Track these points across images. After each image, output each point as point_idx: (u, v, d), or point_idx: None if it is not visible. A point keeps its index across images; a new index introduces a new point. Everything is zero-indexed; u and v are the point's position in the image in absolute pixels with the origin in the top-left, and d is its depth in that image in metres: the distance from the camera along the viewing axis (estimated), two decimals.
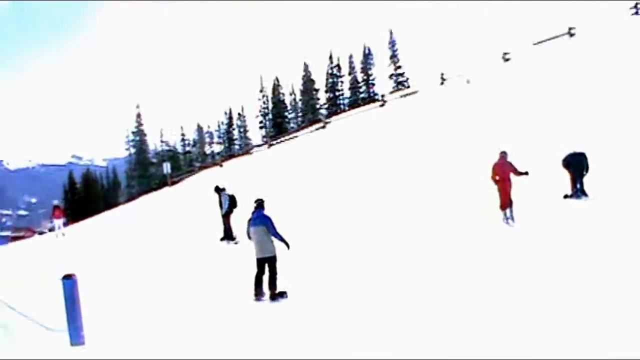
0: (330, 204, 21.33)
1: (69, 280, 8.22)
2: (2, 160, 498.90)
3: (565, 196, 15.79)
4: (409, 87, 66.55)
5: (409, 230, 15.51)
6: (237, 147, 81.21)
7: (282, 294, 11.56)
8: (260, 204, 12.28)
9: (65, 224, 40.29)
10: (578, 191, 15.81)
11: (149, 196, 47.39)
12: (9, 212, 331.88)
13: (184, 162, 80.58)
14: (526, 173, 15.20)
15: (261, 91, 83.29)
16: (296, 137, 47.34)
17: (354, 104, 74.37)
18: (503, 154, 15.41)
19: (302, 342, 8.26)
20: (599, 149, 17.32)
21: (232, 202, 20.50)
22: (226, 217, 20.50)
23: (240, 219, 19.97)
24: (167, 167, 48.41)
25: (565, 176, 16.01)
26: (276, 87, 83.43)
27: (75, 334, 8.19)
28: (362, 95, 78.83)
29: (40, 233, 47.55)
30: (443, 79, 44.41)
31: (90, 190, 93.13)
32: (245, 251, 16.18)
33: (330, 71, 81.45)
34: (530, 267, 10.15)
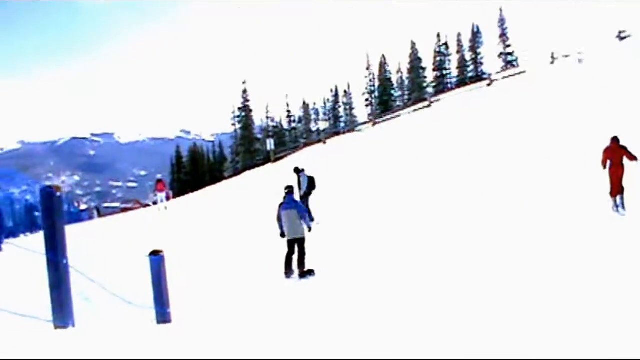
0: (423, 186, 20.81)
1: (156, 257, 8.09)
2: (113, 134, 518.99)
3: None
4: (518, 66, 64.66)
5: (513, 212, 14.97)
6: (342, 124, 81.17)
7: (311, 272, 12.42)
8: (290, 190, 13.31)
9: (168, 198, 41.33)
10: None
11: (252, 172, 47.99)
12: (120, 184, 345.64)
13: (290, 139, 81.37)
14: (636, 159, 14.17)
15: (368, 69, 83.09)
16: (400, 115, 46.92)
17: (462, 83, 72.89)
18: (615, 139, 14.48)
19: (320, 317, 8.55)
20: None
21: (311, 183, 20.51)
22: (305, 198, 20.30)
23: (320, 200, 20.98)
24: (270, 144, 49.08)
25: None
26: (383, 65, 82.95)
27: (162, 312, 7.96)
28: (469, 75, 77.14)
29: (146, 206, 49.09)
30: (553, 58, 43.06)
31: (196, 165, 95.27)
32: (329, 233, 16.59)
33: (437, 49, 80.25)
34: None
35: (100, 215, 60.34)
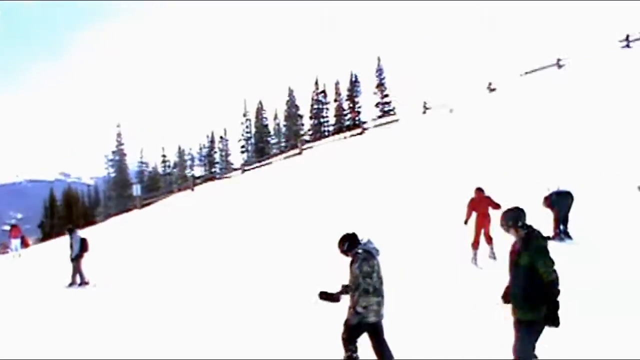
0: (287, 231, 19.81)
1: None
2: None
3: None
4: (395, 115, 65.06)
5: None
6: (217, 170, 79.28)
7: None
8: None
9: (25, 244, 38.64)
10: (561, 233, 14.26)
11: (118, 218, 45.83)
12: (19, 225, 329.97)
13: (164, 184, 78.65)
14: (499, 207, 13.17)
15: (244, 115, 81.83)
16: (270, 162, 45.61)
17: (339, 131, 72.61)
18: (480, 190, 14.00)
19: None
20: (586, 187, 15.74)
21: (83, 245, 19.29)
22: (76, 260, 19.16)
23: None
24: (137, 189, 47.21)
25: (548, 216, 14.32)
26: (260, 111, 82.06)
27: None
28: (347, 123, 76.99)
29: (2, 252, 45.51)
30: (426, 108, 42.97)
31: (70, 208, 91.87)
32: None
33: (315, 97, 79.91)
34: None
35: None
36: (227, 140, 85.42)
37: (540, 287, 6.40)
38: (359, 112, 78.36)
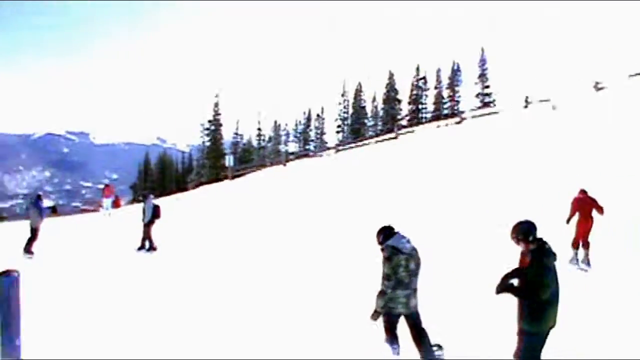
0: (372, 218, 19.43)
1: (7, 277, 6.34)
2: (88, 134, 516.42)
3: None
4: (494, 107, 63.64)
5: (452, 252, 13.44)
6: (311, 148, 79.65)
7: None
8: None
9: (116, 204, 39.97)
10: None
11: (208, 187, 46.68)
12: (90, 185, 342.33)
13: (257, 157, 79.51)
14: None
15: (343, 95, 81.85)
16: (365, 144, 45.37)
17: (436, 118, 71.65)
18: (583, 191, 13.46)
19: None
20: None
21: (155, 211, 19.91)
22: (147, 225, 19.81)
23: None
24: (229, 160, 47.68)
25: None
26: (358, 93, 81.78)
27: (9, 346, 6.31)
28: (445, 112, 75.96)
29: (89, 210, 47.07)
30: (527, 102, 41.78)
31: (164, 173, 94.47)
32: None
33: (415, 83, 79.08)
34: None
35: (55, 214, 58.05)
36: (323, 118, 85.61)
37: (544, 302, 6.51)
38: (458, 102, 77.25)
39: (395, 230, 8.31)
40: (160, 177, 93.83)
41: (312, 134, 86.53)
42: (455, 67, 77.85)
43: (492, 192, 20.22)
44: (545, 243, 6.66)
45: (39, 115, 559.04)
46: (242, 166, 56.84)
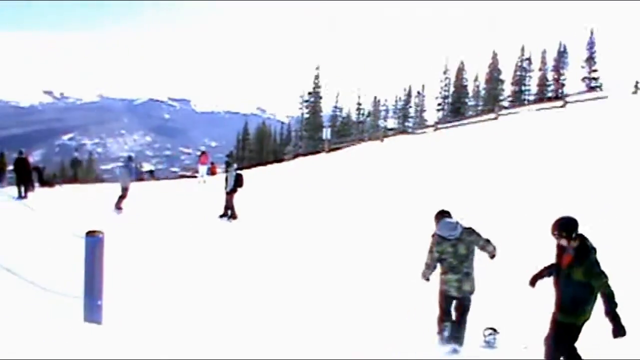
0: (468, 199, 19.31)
1: (92, 238, 6.45)
2: (190, 101, 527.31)
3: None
4: (601, 91, 61.50)
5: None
6: (410, 124, 79.30)
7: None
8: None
9: (212, 171, 41.15)
10: None
11: (305, 159, 47.25)
12: (189, 151, 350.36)
13: (356, 131, 79.76)
14: None
15: (445, 73, 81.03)
16: (464, 124, 44.94)
17: (540, 101, 69.84)
18: None
19: None
20: None
21: (238, 180, 20.58)
22: (229, 194, 20.58)
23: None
24: (326, 133, 48.06)
25: None
26: (460, 71, 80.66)
27: (91, 308, 6.47)
28: (549, 95, 73.91)
29: (187, 176, 48.64)
30: (637, 87, 40.44)
31: (262, 143, 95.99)
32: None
33: (519, 63, 77.32)
34: None
35: (153, 178, 60.50)
36: (423, 96, 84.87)
37: (587, 298, 6.76)
38: (563, 85, 74.93)
39: (446, 214, 8.76)
40: (258, 147, 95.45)
41: (412, 111, 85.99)
42: (562, 49, 75.55)
43: (592, 182, 19.55)
44: (586, 239, 6.87)
45: (142, 81, 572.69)
46: (339, 140, 57.25)
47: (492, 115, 42.68)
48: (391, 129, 72.68)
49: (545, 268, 7.37)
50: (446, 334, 8.68)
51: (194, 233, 17.46)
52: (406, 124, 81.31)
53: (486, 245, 8.58)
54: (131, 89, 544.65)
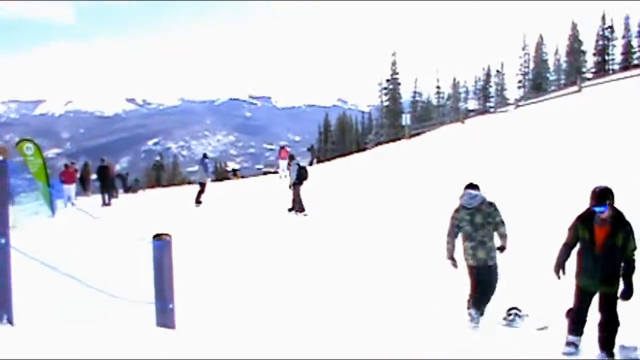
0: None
1: (159, 242, 6.41)
2: (270, 97, 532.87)
3: None
4: None
5: None
6: (492, 104, 78.03)
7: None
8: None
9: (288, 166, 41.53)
10: None
11: (385, 146, 47.18)
12: (273, 147, 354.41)
13: (437, 115, 79.11)
14: None
15: (523, 49, 79.46)
16: (546, 99, 43.80)
17: (625, 69, 67.34)
18: None
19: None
20: None
21: (300, 174, 20.89)
22: (293, 187, 20.91)
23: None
24: (406, 119, 48.16)
25: None
26: (539, 46, 79.01)
27: (163, 313, 6.45)
28: (635, 63, 71.26)
29: (270, 172, 49.16)
30: None
31: (344, 134, 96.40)
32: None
33: (601, 32, 74.94)
34: None
35: (236, 176, 61.68)
36: (503, 74, 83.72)
37: (622, 264, 7.04)
38: None
39: (473, 187, 9.38)
40: (340, 139, 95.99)
41: (492, 91, 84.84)
42: None
43: None
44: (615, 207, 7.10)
45: (222, 81, 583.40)
46: (420, 125, 56.97)
47: (575, 88, 41.40)
48: (472, 111, 71.67)
49: (563, 253, 7.58)
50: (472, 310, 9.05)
51: (261, 229, 18.04)
52: (487, 104, 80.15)
53: (500, 226, 9.13)
54: (211, 90, 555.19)
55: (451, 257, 9.30)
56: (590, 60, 75.68)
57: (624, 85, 35.93)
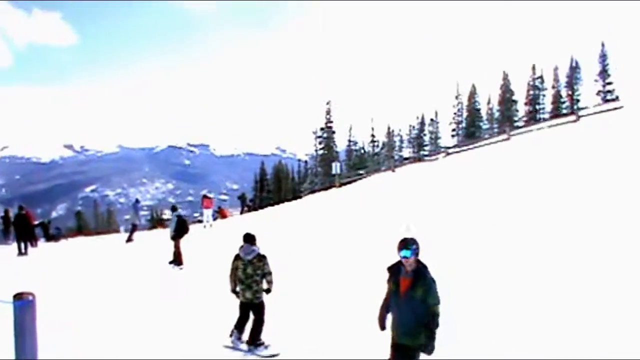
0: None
1: (20, 301, 5.87)
2: (208, 145, 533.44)
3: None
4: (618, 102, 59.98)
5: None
6: (426, 152, 78.43)
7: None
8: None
9: (223, 215, 40.45)
10: None
11: (316, 195, 46.79)
12: (211, 196, 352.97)
13: (372, 163, 79.04)
14: None
15: (457, 97, 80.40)
16: (475, 147, 43.83)
17: (554, 118, 68.59)
18: None
19: None
20: None
21: (179, 225, 19.91)
22: (174, 239, 19.92)
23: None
24: (336, 167, 47.44)
25: None
26: (472, 95, 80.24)
27: None
28: (564, 112, 72.64)
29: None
30: None
31: (279, 183, 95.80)
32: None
33: (532, 82, 76.53)
34: None
35: (161, 226, 60.22)
36: (437, 122, 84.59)
37: (424, 317, 6.94)
38: (577, 100, 74.04)
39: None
40: (276, 187, 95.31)
41: (427, 139, 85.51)
42: (574, 64, 74.47)
43: (607, 193, 18.21)
44: (422, 262, 7.15)
45: (161, 129, 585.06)
46: (354, 173, 56.72)
47: (504, 136, 41.39)
48: (407, 159, 71.85)
49: (382, 305, 7.41)
50: None
51: (137, 281, 17.69)
52: (422, 152, 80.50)
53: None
54: (150, 138, 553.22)
55: None
56: (521, 109, 77.10)
57: (549, 132, 36.34)
